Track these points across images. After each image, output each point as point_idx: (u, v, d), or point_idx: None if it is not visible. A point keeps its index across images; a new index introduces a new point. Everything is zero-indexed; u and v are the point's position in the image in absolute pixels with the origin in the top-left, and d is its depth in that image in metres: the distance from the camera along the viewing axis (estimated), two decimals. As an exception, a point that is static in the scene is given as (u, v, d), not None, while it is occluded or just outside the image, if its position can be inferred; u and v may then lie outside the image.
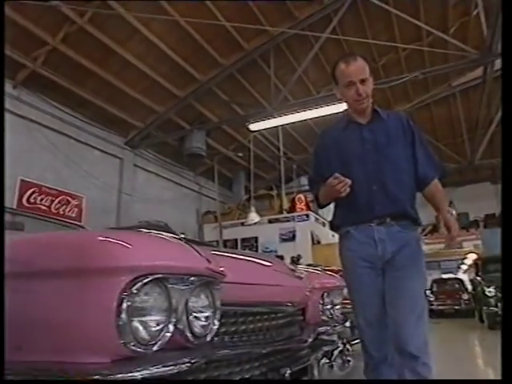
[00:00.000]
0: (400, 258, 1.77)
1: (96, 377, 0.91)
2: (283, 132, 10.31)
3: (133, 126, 9.36)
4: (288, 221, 10.30)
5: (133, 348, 0.95)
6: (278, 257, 7.87)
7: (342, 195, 1.74)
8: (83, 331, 0.93)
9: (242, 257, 1.94)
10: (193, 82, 8.87)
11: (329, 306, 2.63)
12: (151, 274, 0.99)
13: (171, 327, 1.05)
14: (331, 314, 2.65)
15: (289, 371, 1.57)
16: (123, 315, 0.93)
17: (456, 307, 13.17)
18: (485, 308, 7.89)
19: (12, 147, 7.04)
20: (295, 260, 8.36)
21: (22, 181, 7.12)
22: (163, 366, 1.00)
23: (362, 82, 1.82)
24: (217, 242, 10.32)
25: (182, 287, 1.08)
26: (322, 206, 2.04)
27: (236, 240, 10.70)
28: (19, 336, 0.95)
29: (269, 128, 8.77)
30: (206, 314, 1.19)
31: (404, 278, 1.75)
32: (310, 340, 1.98)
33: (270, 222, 10.41)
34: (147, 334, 0.99)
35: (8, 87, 7.13)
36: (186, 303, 1.10)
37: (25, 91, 7.37)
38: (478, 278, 9.14)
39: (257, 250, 10.08)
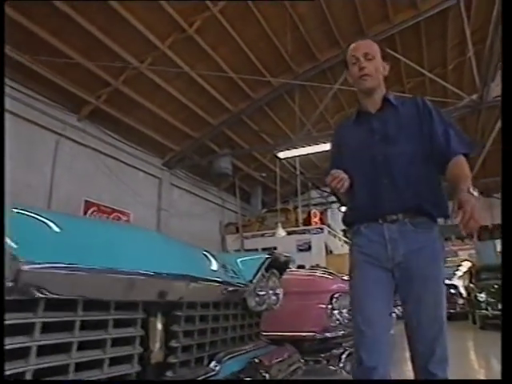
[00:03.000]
0: (416, 264, 1.61)
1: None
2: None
3: (170, 149, 10.62)
4: (304, 233, 11.57)
5: (331, 324, 2.23)
6: (299, 266, 9.17)
7: (341, 191, 1.67)
8: (311, 316, 2.21)
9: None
10: (226, 112, 10.18)
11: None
12: (335, 293, 2.27)
13: (337, 316, 2.33)
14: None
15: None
16: (329, 310, 2.21)
17: (451, 311, 14.14)
18: (477, 311, 9.14)
19: (78, 172, 8.34)
20: (315, 268, 9.66)
21: (86, 201, 8.34)
22: (335, 332, 2.29)
23: (367, 57, 1.74)
24: (239, 250, 11.59)
25: (337, 297, 2.37)
26: (343, 204, 1.93)
27: (256, 249, 11.94)
28: (274, 319, 2.22)
29: (295, 157, 10.08)
30: (339, 310, 2.47)
31: (422, 289, 1.61)
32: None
33: (288, 233, 11.67)
34: (335, 318, 2.27)
35: (73, 120, 8.38)
36: (334, 304, 2.39)
37: (87, 123, 8.60)
38: (472, 285, 10.37)
39: (276, 259, 11.34)
